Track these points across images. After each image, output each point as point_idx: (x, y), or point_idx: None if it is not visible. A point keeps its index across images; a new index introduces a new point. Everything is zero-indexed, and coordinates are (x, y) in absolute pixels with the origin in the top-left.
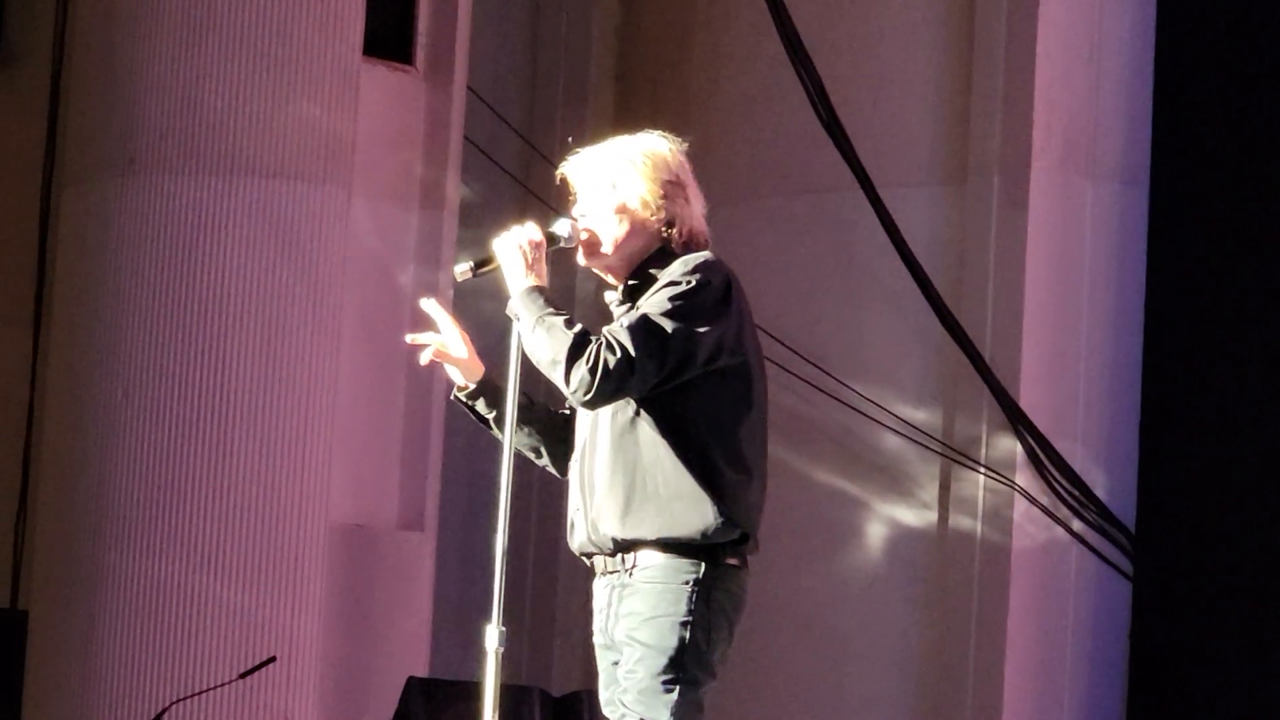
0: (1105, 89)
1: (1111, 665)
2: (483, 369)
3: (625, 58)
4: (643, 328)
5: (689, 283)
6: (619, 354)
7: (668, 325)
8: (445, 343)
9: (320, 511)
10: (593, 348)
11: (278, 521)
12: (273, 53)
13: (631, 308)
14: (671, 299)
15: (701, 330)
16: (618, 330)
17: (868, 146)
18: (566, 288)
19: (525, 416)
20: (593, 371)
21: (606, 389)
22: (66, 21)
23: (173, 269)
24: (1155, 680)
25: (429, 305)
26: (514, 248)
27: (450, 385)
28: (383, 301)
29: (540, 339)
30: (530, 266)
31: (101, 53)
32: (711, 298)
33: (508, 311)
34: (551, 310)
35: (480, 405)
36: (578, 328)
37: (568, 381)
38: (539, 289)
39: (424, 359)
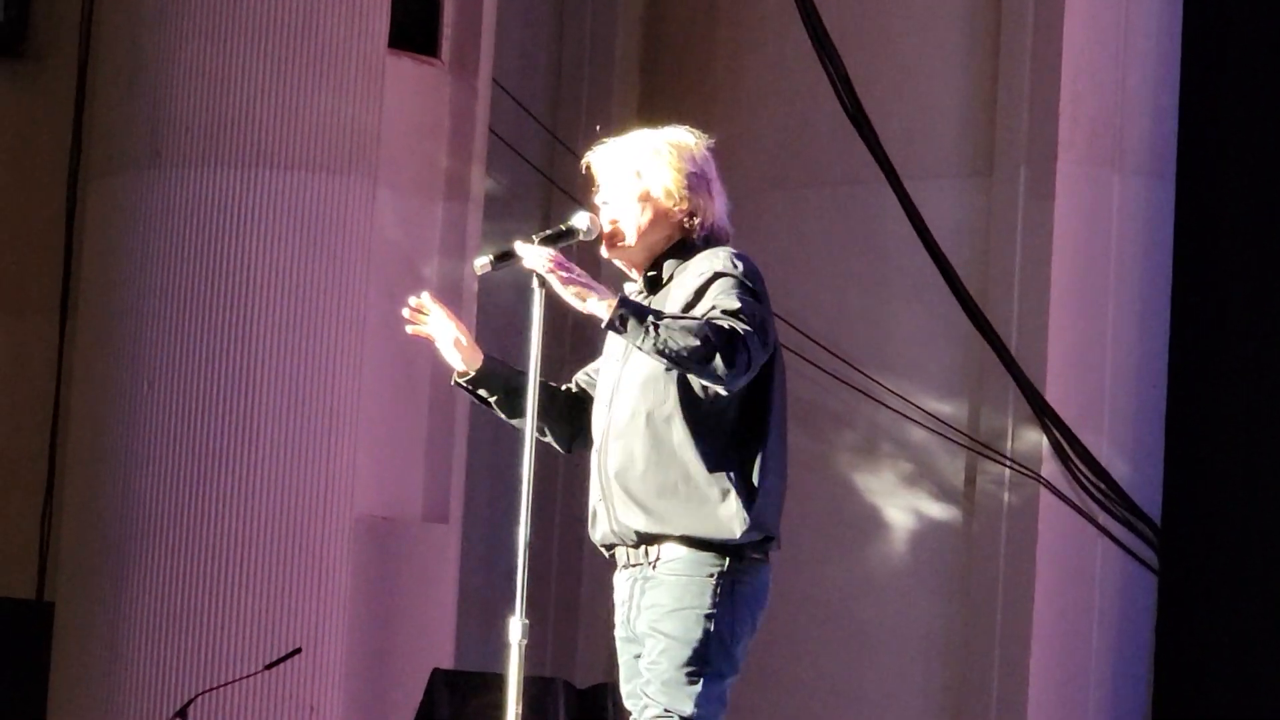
0: (1131, 82)
1: (1137, 658)
2: (481, 356)
3: (650, 50)
4: (746, 310)
5: (741, 271)
6: (735, 328)
7: (756, 311)
8: (434, 334)
9: (345, 503)
10: (728, 330)
11: (303, 513)
12: (298, 46)
13: (648, 297)
14: (741, 287)
15: (770, 318)
16: (723, 316)
17: (893, 138)
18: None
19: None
20: (729, 353)
21: (752, 365)
22: (92, 16)
23: (198, 261)
24: (1181, 673)
25: (423, 299)
26: (547, 264)
27: (451, 371)
28: (407, 293)
29: (676, 340)
30: (585, 283)
31: (127, 47)
32: (762, 288)
33: (613, 329)
34: (654, 311)
35: (481, 391)
36: (685, 319)
37: (732, 366)
38: (620, 300)
39: (416, 330)
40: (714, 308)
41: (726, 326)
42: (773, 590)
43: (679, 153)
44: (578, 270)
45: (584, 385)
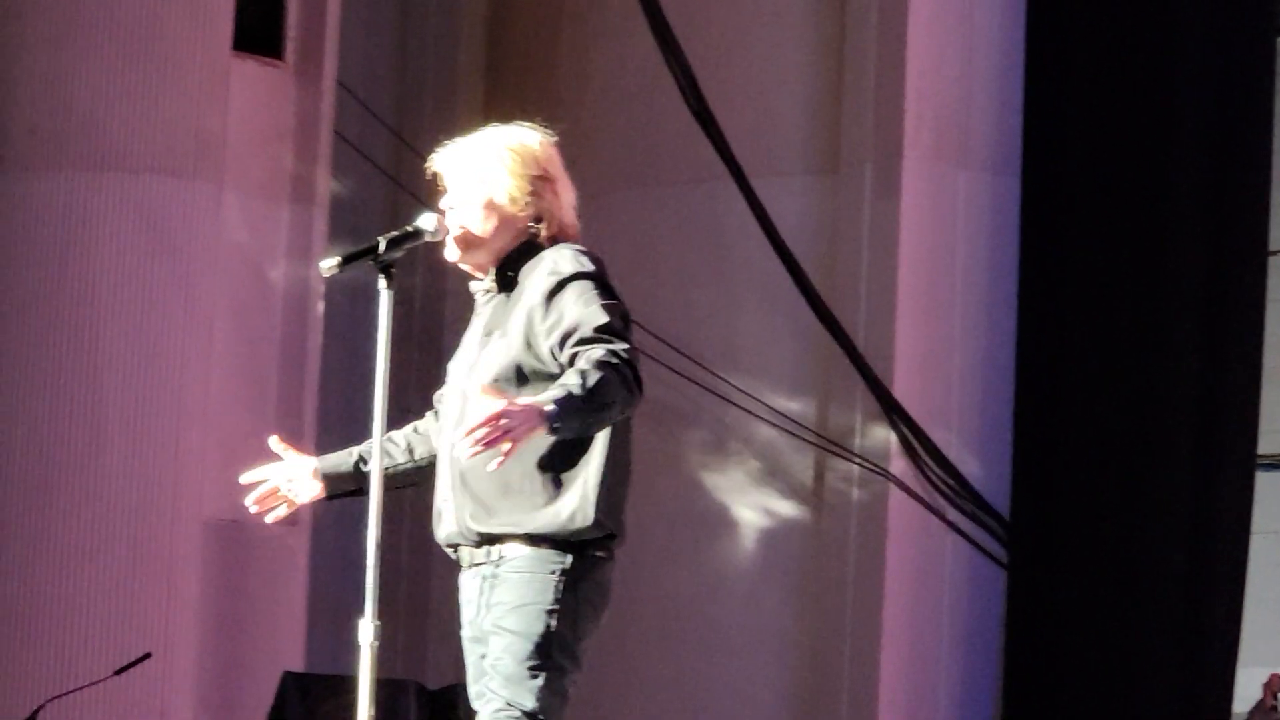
0: (976, 79)
1: (986, 652)
2: (320, 471)
3: (494, 51)
4: (611, 318)
5: (590, 272)
6: (622, 354)
7: (615, 315)
8: (294, 496)
9: (194, 507)
10: (613, 370)
11: (152, 517)
12: (142, 49)
13: (497, 297)
14: (596, 288)
15: (625, 311)
16: (592, 337)
17: (739, 136)
18: (438, 279)
19: (414, 473)
20: (635, 381)
21: (638, 384)
22: None
23: (44, 266)
24: (1029, 666)
25: (275, 445)
26: (500, 452)
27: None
28: (254, 296)
29: (596, 413)
30: (529, 426)
31: None
32: (611, 284)
33: (554, 432)
34: (563, 391)
35: (348, 489)
36: (587, 375)
37: (638, 391)
38: (551, 405)
39: (276, 516)
40: (577, 328)
41: (614, 361)
42: (622, 589)
43: (521, 156)
44: (517, 420)
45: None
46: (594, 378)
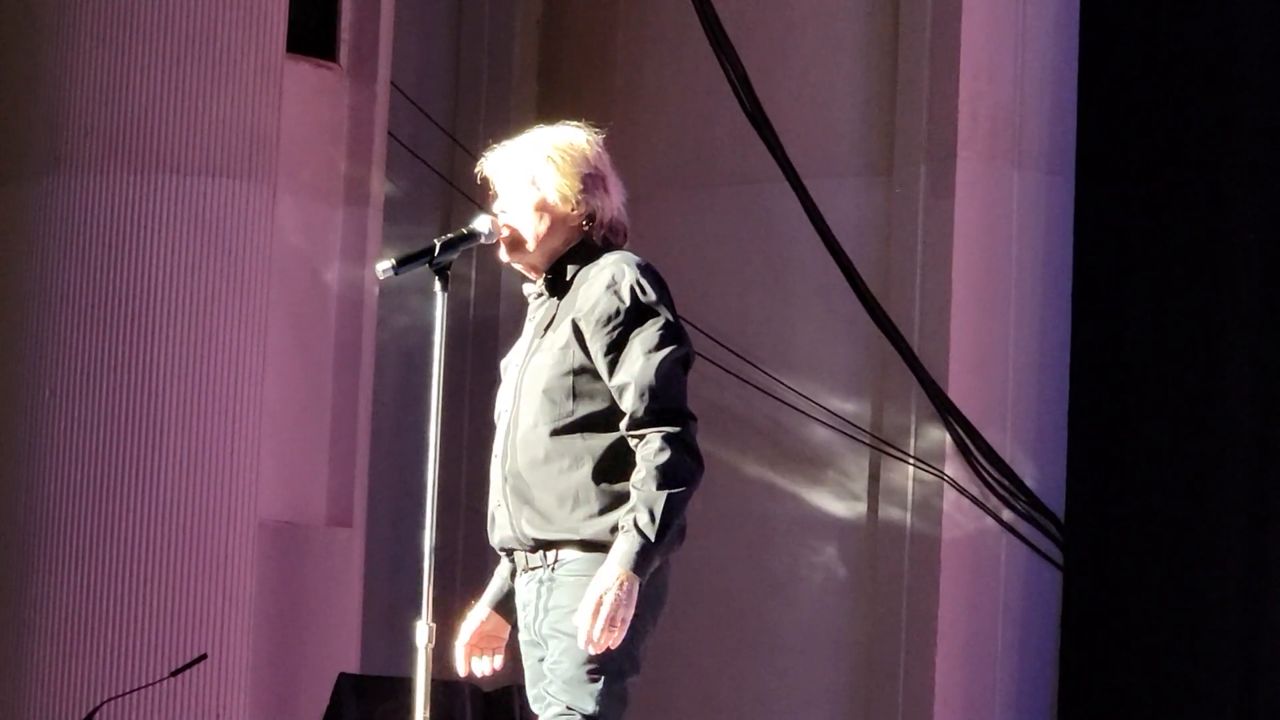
0: (1030, 78)
1: (1042, 654)
2: (492, 609)
3: (548, 52)
4: (670, 398)
5: (652, 298)
6: (678, 424)
7: (676, 376)
8: (487, 642)
9: (249, 509)
10: (671, 465)
11: (207, 519)
12: (196, 50)
13: (549, 298)
14: (659, 335)
15: (681, 328)
16: (649, 420)
17: (793, 137)
18: (493, 280)
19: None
20: (695, 461)
21: (694, 441)
22: None
23: (98, 268)
24: (1085, 668)
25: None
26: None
27: None
28: (308, 298)
29: (668, 534)
30: (629, 601)
31: (25, 52)
32: (668, 295)
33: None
34: (636, 542)
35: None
36: (654, 504)
37: (698, 465)
38: (632, 560)
39: (494, 666)
40: (640, 396)
41: (669, 458)
42: (679, 590)
43: (571, 156)
44: (618, 603)
45: None
46: (660, 503)
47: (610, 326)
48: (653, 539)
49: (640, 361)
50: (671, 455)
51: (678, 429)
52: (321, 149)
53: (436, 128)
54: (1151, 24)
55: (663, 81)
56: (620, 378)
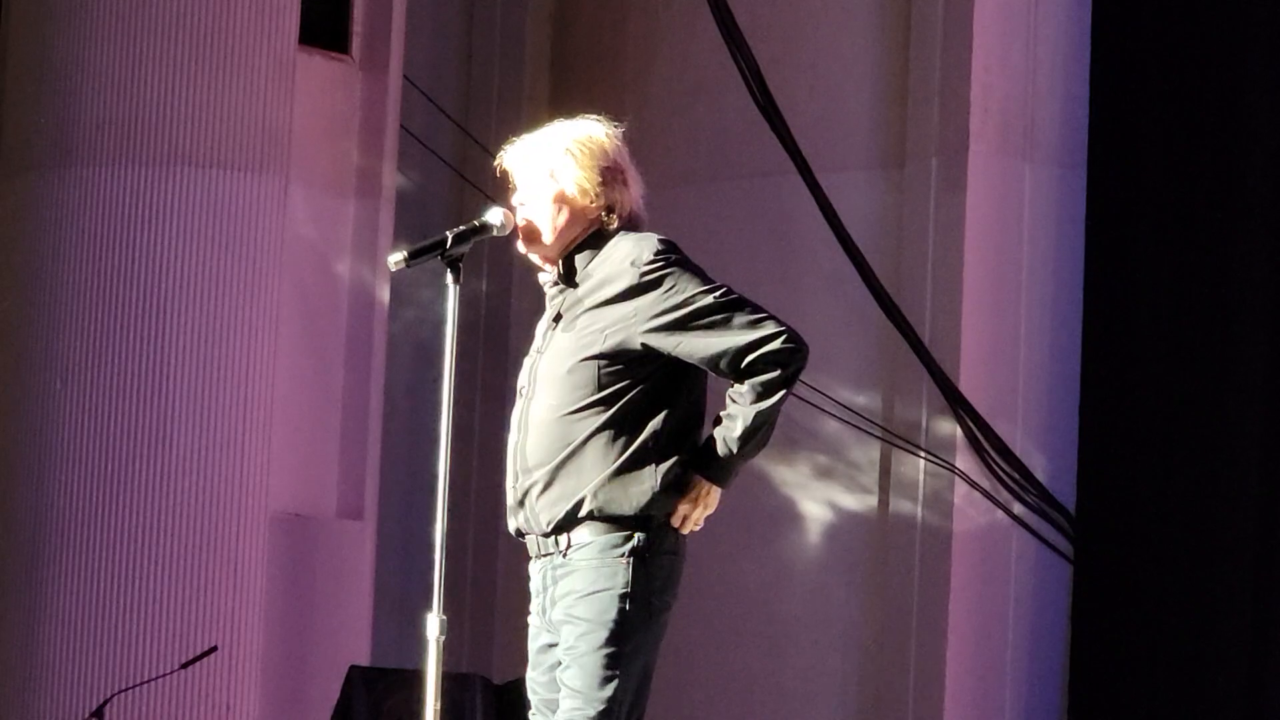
0: (1042, 72)
1: (1052, 647)
2: None
3: (560, 44)
4: (746, 312)
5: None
6: (778, 339)
7: (732, 298)
8: None
9: (260, 501)
10: (769, 356)
11: (217, 511)
12: (208, 43)
13: (565, 288)
14: (707, 292)
15: (727, 289)
16: (741, 335)
17: (805, 130)
18: (505, 273)
19: None
20: (779, 339)
21: (800, 358)
22: (1, 15)
23: (111, 260)
24: (1096, 662)
25: None
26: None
27: None
28: (320, 291)
29: (765, 425)
30: (708, 501)
31: (37, 45)
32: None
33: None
34: (731, 445)
35: None
36: (744, 405)
37: (797, 359)
38: (715, 476)
39: None
40: (728, 351)
41: (778, 372)
42: (689, 583)
43: (591, 149)
44: (699, 500)
45: None
46: (752, 415)
47: (647, 290)
48: (734, 447)
49: (720, 321)
50: (779, 371)
51: (777, 335)
52: (333, 141)
53: (449, 120)
54: (1163, 17)
55: (675, 74)
56: (705, 350)
